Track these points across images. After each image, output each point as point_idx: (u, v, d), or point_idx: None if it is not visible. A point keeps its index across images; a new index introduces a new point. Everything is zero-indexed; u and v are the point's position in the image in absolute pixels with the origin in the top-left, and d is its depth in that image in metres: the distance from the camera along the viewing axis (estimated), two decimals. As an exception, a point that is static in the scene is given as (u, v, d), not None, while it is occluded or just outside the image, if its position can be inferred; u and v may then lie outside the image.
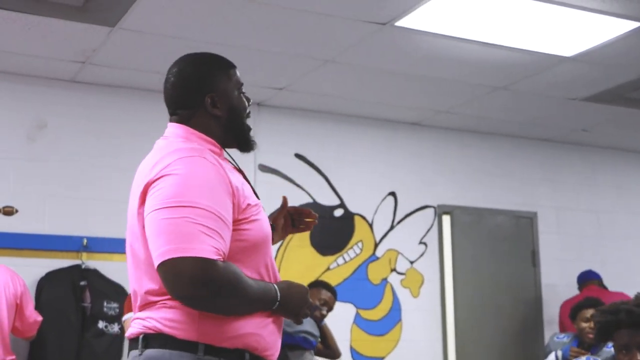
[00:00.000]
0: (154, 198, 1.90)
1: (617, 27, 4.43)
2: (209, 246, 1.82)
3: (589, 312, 4.87)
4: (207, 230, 1.84)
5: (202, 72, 2.12)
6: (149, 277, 1.94)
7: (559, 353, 4.83)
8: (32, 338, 4.71)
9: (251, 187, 2.12)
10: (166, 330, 1.92)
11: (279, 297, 2.00)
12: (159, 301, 1.94)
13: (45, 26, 4.34)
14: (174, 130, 2.10)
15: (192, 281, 1.80)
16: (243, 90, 2.19)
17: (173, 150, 1.98)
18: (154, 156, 2.01)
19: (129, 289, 2.14)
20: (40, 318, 4.65)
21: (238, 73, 2.18)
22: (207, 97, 2.09)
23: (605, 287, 6.17)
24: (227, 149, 2.16)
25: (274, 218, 2.33)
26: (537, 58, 4.92)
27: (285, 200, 2.36)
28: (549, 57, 4.90)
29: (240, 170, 2.16)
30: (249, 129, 2.17)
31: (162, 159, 1.95)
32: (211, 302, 1.86)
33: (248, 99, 2.19)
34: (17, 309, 4.51)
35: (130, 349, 2.01)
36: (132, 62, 4.93)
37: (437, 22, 4.36)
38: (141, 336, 1.96)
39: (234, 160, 2.16)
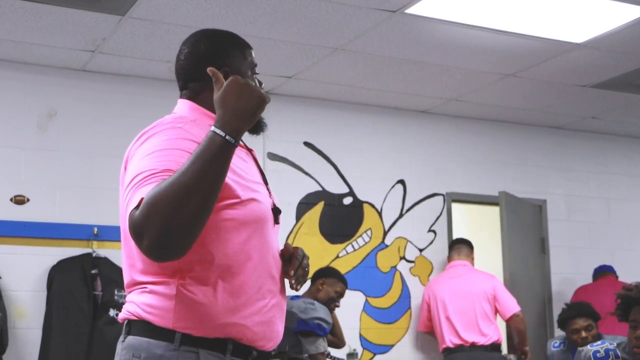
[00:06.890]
0: (126, 177, 1.86)
1: (628, 13, 4.41)
2: (137, 201, 1.72)
3: (578, 323, 4.60)
4: (143, 184, 1.75)
5: (217, 46, 2.07)
6: (137, 254, 1.88)
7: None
8: None
9: (260, 169, 2.08)
10: (145, 316, 1.87)
11: (219, 130, 1.72)
12: (141, 282, 1.90)
13: (56, 15, 4.34)
14: (179, 106, 2.07)
15: (132, 235, 1.70)
16: (257, 72, 2.14)
17: (153, 125, 1.94)
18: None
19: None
20: None
21: (253, 54, 2.13)
22: (220, 71, 1.95)
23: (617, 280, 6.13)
24: None
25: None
26: (547, 45, 4.90)
27: (286, 246, 2.10)
28: (559, 43, 4.88)
29: (249, 150, 2.11)
30: None
31: (140, 135, 1.93)
32: (153, 236, 1.64)
33: (260, 82, 2.12)
34: None
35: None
36: (141, 51, 4.93)
37: (447, 9, 4.35)
38: (125, 322, 1.93)
39: (242, 140, 2.06)
